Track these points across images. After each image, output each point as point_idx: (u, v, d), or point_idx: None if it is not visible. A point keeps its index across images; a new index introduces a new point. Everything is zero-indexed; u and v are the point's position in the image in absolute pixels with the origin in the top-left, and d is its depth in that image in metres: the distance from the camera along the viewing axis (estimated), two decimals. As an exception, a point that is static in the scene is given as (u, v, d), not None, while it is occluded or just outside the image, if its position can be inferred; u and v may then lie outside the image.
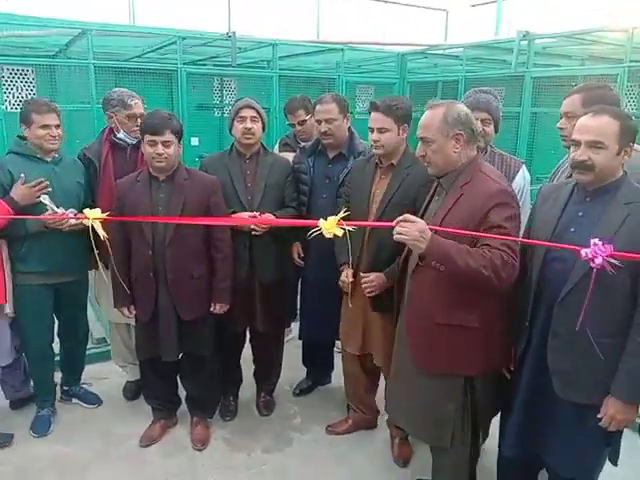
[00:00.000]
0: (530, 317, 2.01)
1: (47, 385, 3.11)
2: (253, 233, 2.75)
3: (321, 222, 2.05)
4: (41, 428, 3.02)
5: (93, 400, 3.31)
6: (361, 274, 2.57)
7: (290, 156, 3.20)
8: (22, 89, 5.99)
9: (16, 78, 5.99)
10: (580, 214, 1.91)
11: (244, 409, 3.27)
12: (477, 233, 1.92)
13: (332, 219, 2.04)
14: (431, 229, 1.91)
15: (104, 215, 2.33)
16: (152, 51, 4.86)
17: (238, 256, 2.80)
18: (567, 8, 8.39)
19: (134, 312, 2.73)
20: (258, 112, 2.81)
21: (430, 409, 2.16)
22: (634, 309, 1.79)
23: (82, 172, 2.93)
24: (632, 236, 1.75)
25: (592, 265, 1.67)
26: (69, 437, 3.00)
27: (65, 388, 3.31)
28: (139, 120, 2.88)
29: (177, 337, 2.70)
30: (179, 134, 2.59)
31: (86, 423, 3.14)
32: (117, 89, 3.04)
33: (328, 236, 2.06)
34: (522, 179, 2.62)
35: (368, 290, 2.53)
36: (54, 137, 2.72)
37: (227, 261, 2.72)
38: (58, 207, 2.66)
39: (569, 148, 2.29)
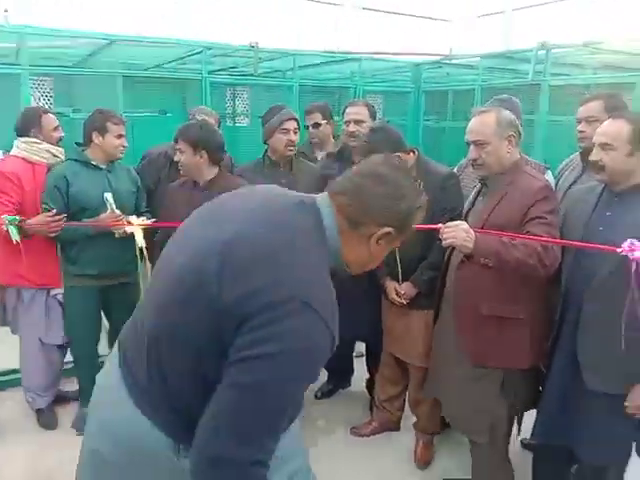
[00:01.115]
0: (560, 312, 2.10)
1: (93, 385, 3.13)
2: None
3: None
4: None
5: None
6: (396, 287, 2.62)
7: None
8: (40, 99, 6.07)
9: (34, 88, 6.07)
10: (608, 214, 2.00)
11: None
12: (517, 234, 1.99)
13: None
14: (474, 230, 1.97)
15: (149, 222, 2.38)
16: (173, 61, 4.93)
17: None
18: (573, 19, 8.52)
19: None
20: (298, 122, 2.89)
21: (469, 401, 2.23)
22: None
23: (135, 180, 3.04)
24: None
25: (632, 258, 1.73)
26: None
27: None
28: None
29: None
30: (195, 144, 2.61)
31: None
32: (199, 106, 3.38)
33: None
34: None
35: (404, 300, 2.60)
36: (124, 147, 2.87)
37: None
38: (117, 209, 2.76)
39: (582, 150, 2.45)
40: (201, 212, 1.43)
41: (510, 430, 2.30)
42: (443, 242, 2.01)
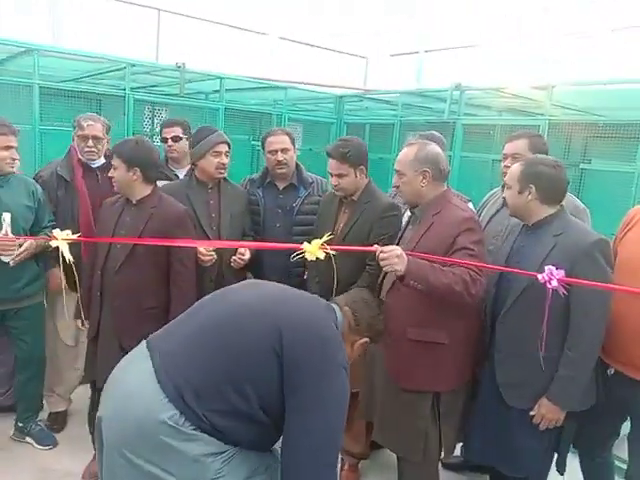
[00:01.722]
0: (489, 335, 2.27)
1: None
2: (234, 264, 2.76)
3: (305, 245, 2.13)
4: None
5: (48, 440, 3.08)
6: None
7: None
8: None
9: None
10: (522, 245, 2.23)
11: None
12: (446, 258, 2.12)
13: (316, 242, 2.13)
14: (407, 254, 2.07)
15: (74, 237, 2.26)
16: (91, 75, 4.76)
17: (203, 291, 2.74)
18: (481, 63, 9.19)
19: (86, 326, 2.72)
20: (229, 145, 2.86)
21: (403, 422, 2.29)
22: (567, 325, 2.06)
23: (31, 193, 2.80)
24: (555, 263, 2.01)
25: (548, 287, 1.91)
26: (3, 475, 2.79)
27: (20, 424, 3.08)
28: (91, 141, 2.92)
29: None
30: (128, 160, 2.52)
31: (20, 459, 2.93)
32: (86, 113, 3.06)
33: (311, 259, 2.14)
34: None
35: None
36: (14, 160, 2.67)
37: (183, 297, 2.51)
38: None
39: (504, 185, 2.64)
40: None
41: (440, 448, 2.37)
42: (380, 261, 2.09)
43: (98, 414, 1.67)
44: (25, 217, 2.73)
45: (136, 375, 1.60)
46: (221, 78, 4.45)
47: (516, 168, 2.19)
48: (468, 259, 2.08)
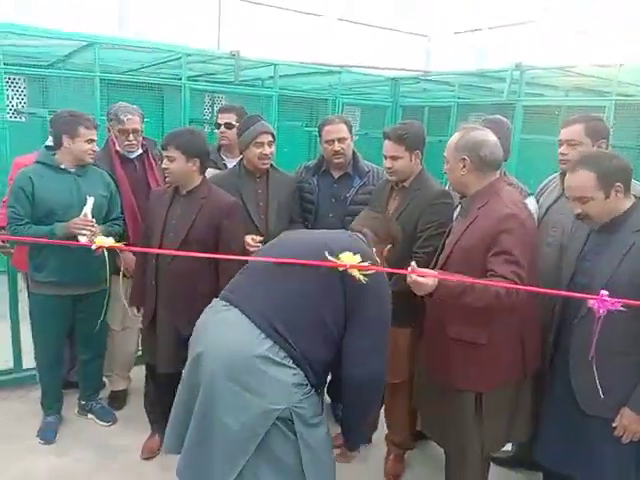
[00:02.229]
0: (554, 336, 2.17)
1: (54, 393, 3.13)
2: None
3: (344, 258, 1.85)
4: (48, 435, 3.04)
5: (109, 417, 3.26)
6: None
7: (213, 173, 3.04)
8: (13, 97, 5.95)
9: (6, 87, 5.95)
10: (596, 244, 2.08)
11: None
12: (478, 280, 1.94)
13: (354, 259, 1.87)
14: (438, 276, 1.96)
15: (117, 244, 2.22)
16: (151, 65, 4.90)
17: None
18: (547, 40, 8.76)
19: (140, 313, 2.81)
20: (274, 136, 2.86)
21: (444, 418, 2.28)
22: None
23: (107, 185, 2.95)
24: (635, 262, 1.90)
25: (597, 314, 1.71)
26: (64, 449, 2.97)
27: (82, 402, 3.27)
28: (132, 135, 3.01)
29: (176, 350, 2.66)
30: (187, 151, 2.57)
31: (81, 434, 3.12)
32: (118, 103, 3.12)
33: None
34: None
35: None
36: (94, 151, 2.83)
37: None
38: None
39: (562, 172, 2.48)
40: None
41: (481, 448, 2.28)
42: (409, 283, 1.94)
43: (197, 350, 1.89)
44: (100, 206, 2.87)
45: (228, 319, 1.88)
46: (275, 64, 4.45)
47: (588, 178, 1.96)
48: (507, 267, 1.95)
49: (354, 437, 2.17)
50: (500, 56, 8.10)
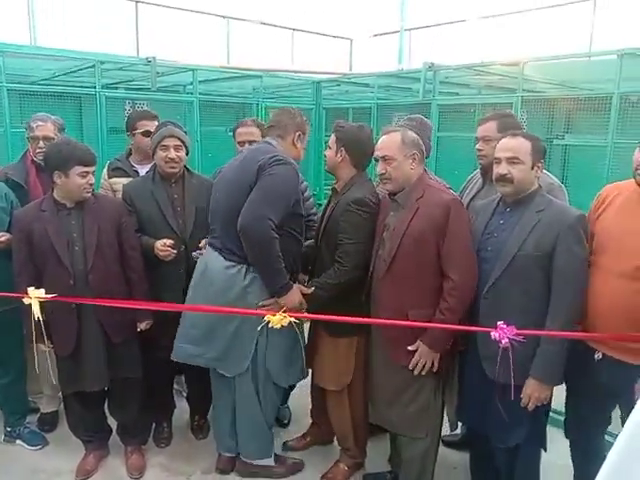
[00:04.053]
0: (470, 309, 2.30)
1: None
2: (195, 259, 2.75)
3: (268, 317, 1.95)
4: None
5: (38, 441, 3.11)
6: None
7: (123, 182, 3.05)
8: None
9: None
10: (501, 222, 2.25)
11: (179, 434, 3.24)
12: (426, 324, 2.27)
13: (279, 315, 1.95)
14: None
15: (48, 296, 2.14)
16: (64, 74, 4.73)
17: (173, 282, 2.80)
18: (460, 41, 9.14)
19: (51, 346, 2.62)
20: (181, 139, 2.81)
21: (405, 400, 2.41)
22: (548, 301, 2.10)
23: (3, 194, 2.79)
24: (541, 236, 2.09)
25: (500, 345, 1.83)
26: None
27: (8, 429, 3.12)
28: (42, 142, 2.93)
29: (106, 363, 2.64)
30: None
31: (8, 461, 2.97)
32: (38, 113, 3.03)
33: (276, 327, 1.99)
34: None
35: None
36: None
37: (142, 278, 2.73)
38: None
39: (481, 167, 2.65)
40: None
41: (442, 422, 2.52)
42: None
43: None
44: (1, 219, 2.73)
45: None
46: (193, 70, 4.42)
47: (523, 143, 2.17)
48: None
49: (267, 283, 2.45)
50: (419, 57, 8.38)
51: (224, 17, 9.56)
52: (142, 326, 2.75)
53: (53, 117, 3.04)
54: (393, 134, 2.38)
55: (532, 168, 2.17)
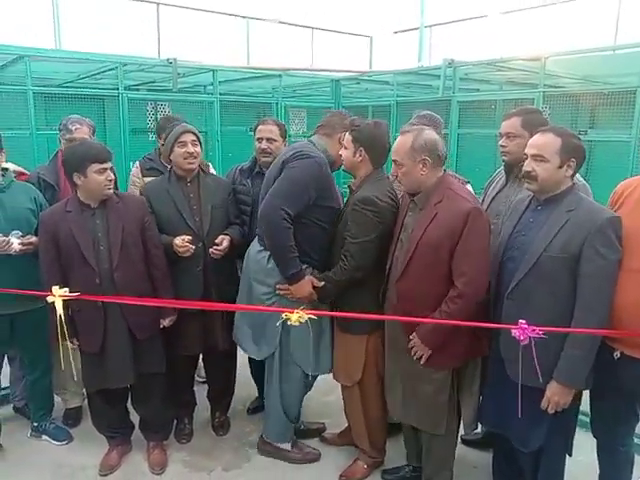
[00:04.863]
0: (492, 309, 2.29)
1: None
2: (213, 255, 2.79)
3: (287, 314, 1.89)
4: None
5: (63, 436, 3.18)
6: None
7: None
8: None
9: None
10: (531, 220, 2.20)
11: (200, 431, 3.27)
12: (432, 320, 2.27)
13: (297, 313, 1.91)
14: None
15: (72, 294, 2.17)
16: (88, 77, 4.82)
17: (191, 279, 2.84)
18: (481, 36, 9.04)
19: (77, 344, 2.67)
20: (197, 136, 2.86)
21: (425, 398, 2.41)
22: (574, 303, 2.04)
23: (33, 198, 2.85)
24: (568, 238, 2.03)
25: (521, 344, 1.83)
26: (19, 472, 2.90)
27: (34, 424, 3.19)
28: None
29: (132, 359, 2.68)
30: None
31: (35, 455, 3.04)
32: (70, 116, 3.10)
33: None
34: None
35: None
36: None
37: (166, 275, 2.77)
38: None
39: (504, 163, 2.60)
40: None
41: (455, 424, 2.51)
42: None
43: None
44: (29, 220, 2.78)
45: None
46: (214, 70, 4.45)
47: (551, 140, 2.08)
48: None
49: (280, 269, 2.59)
50: (442, 54, 8.31)
51: (244, 17, 9.63)
52: (165, 322, 2.79)
53: (87, 120, 3.10)
54: (404, 137, 2.31)
55: (561, 167, 2.08)
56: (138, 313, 2.64)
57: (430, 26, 9.82)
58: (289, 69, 5.50)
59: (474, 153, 4.94)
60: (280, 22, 10.11)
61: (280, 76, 4.96)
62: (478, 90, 6.02)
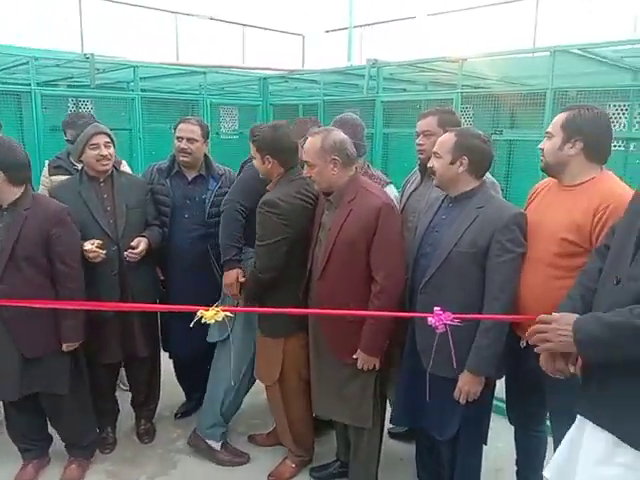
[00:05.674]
0: (407, 304, 2.34)
1: None
2: (128, 259, 2.70)
3: (201, 311, 2.00)
4: None
5: None
6: None
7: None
8: None
9: None
10: (443, 217, 2.28)
11: (123, 439, 3.16)
12: (361, 312, 2.31)
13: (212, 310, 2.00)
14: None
15: None
16: (0, 70, 4.56)
17: (107, 285, 2.72)
18: (411, 37, 9.26)
19: None
20: (110, 136, 2.75)
21: (351, 394, 2.45)
22: (482, 296, 2.13)
23: None
24: (476, 233, 2.12)
25: (437, 331, 1.94)
26: None
27: None
28: None
29: (20, 376, 2.49)
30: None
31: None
32: None
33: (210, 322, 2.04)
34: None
35: None
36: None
37: (71, 297, 2.49)
38: None
39: (420, 162, 2.67)
40: None
41: (380, 416, 2.56)
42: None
43: None
44: None
45: None
46: (134, 66, 4.31)
47: (449, 138, 2.18)
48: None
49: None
50: (371, 54, 8.43)
51: (173, 12, 9.42)
52: (64, 347, 2.55)
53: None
54: (314, 138, 2.34)
55: (452, 163, 2.18)
56: (23, 331, 2.44)
57: (360, 26, 9.94)
58: (215, 66, 5.41)
59: (401, 152, 5.04)
60: (211, 19, 9.95)
61: (205, 73, 4.87)
62: (405, 90, 6.15)
